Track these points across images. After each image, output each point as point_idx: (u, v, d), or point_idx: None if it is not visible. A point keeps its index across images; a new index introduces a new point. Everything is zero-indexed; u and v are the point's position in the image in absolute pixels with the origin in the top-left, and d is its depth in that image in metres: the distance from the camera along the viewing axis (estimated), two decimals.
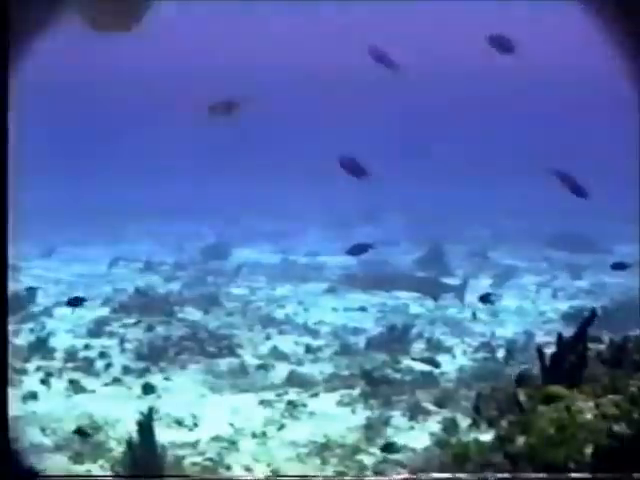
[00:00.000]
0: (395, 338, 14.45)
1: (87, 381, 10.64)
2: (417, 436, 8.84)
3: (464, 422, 9.15)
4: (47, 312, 17.45)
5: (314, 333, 15.89)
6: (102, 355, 13.04)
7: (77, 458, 7.36)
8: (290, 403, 9.99)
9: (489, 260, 26.85)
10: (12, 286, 20.89)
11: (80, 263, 27.54)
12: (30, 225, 37.07)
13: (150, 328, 15.25)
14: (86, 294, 20.06)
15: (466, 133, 62.60)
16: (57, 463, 7.19)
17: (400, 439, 8.57)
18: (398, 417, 9.36)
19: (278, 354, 13.71)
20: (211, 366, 12.67)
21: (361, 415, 9.59)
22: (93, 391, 10.24)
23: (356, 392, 10.46)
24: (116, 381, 10.88)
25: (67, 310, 17.89)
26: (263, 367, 12.58)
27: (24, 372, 10.77)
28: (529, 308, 18.77)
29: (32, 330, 15.68)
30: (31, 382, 10.32)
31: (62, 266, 26.87)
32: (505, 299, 19.21)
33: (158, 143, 61.54)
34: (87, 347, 13.68)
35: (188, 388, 11.10)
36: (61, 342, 14.12)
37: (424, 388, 10.42)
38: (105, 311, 17.45)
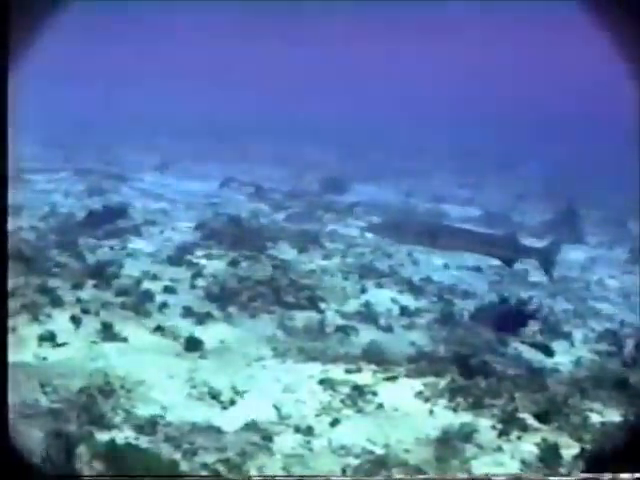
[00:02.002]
0: (506, 312, 12.22)
1: (125, 325, 8.92)
2: (503, 461, 6.72)
3: (569, 449, 6.99)
4: (135, 230, 16.16)
5: (417, 291, 13.85)
6: (166, 290, 11.47)
7: (61, 438, 5.66)
8: (357, 389, 8.03)
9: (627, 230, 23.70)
10: (108, 198, 20.23)
11: (192, 180, 26.44)
12: (149, 135, 36.72)
13: (234, 263, 13.63)
14: (184, 215, 18.87)
15: None
16: (35, 438, 5.60)
17: (479, 465, 6.49)
18: (485, 430, 7.26)
19: (367, 314, 11.77)
20: (285, 319, 10.85)
21: (440, 419, 7.52)
22: (125, 339, 8.55)
23: (443, 383, 8.42)
24: (159, 330, 9.10)
25: (156, 229, 16.65)
26: (343, 330, 10.64)
27: (60, 303, 9.28)
28: None
29: (112, 248, 14.43)
30: (60, 318, 8.78)
31: (172, 181, 25.78)
32: None
33: (300, 61, 59.82)
34: (155, 277, 12.16)
35: (246, 346, 9.31)
36: (130, 268, 12.69)
37: (527, 390, 8.23)
38: (195, 236, 16.05)
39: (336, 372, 8.58)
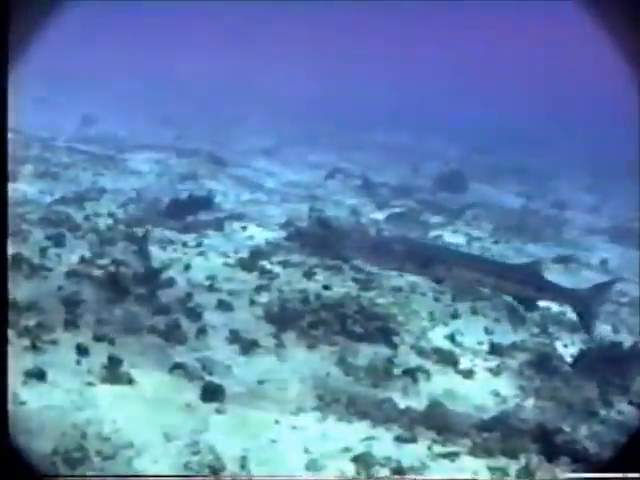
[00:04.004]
0: (619, 356, 10.23)
1: (139, 360, 7.48)
2: None
3: None
4: (217, 224, 15.00)
5: (517, 320, 11.98)
6: (219, 305, 10.14)
7: None
8: (399, 471, 6.36)
9: None
10: (200, 185, 19.15)
11: (299, 167, 25.10)
12: (267, 118, 35.66)
13: (310, 274, 12.23)
14: (276, 210, 17.60)
15: None
16: None
17: None
18: None
19: (448, 352, 10.03)
20: (347, 353, 9.30)
21: None
22: (130, 381, 7.11)
23: (515, 467, 6.70)
24: (179, 368, 7.59)
25: (240, 224, 15.44)
26: (412, 373, 8.96)
27: (73, 324, 8.06)
28: None
29: (185, 244, 13.30)
30: (64, 346, 7.50)
31: (278, 168, 24.54)
32: None
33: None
34: (212, 288, 10.86)
35: (285, 391, 7.82)
36: (193, 272, 11.50)
37: None
38: (279, 236, 14.70)
39: (382, 442, 6.97)
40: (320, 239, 13.98)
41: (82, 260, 11.13)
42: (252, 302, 10.55)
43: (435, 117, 37.83)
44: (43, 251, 11.24)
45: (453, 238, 17.46)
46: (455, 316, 11.70)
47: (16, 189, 15.78)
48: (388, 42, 66.16)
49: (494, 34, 65.57)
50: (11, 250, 10.76)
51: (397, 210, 19.26)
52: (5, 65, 5.08)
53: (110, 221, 14.08)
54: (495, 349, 10.56)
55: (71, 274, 10.14)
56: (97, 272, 10.44)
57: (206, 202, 16.06)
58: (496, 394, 9.06)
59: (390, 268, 9.28)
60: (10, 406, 6.34)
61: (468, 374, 9.50)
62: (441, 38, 65.82)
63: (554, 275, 15.02)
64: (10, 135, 18.16)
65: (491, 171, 28.22)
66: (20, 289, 8.98)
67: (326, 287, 11.53)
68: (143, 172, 20.02)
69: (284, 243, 14.15)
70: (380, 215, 18.57)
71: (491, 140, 35.26)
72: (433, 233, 17.47)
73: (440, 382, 8.96)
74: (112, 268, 10.79)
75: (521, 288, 8.07)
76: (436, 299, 12.32)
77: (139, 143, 24.60)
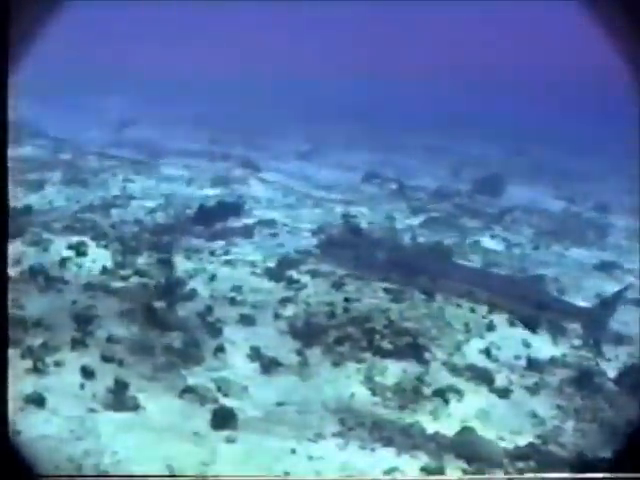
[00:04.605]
0: None
1: (148, 383, 7.00)
2: None
3: None
4: (247, 231, 14.62)
5: (558, 331, 11.25)
6: (242, 319, 9.70)
7: None
8: None
9: None
10: (231, 190, 18.75)
11: (335, 171, 24.61)
12: (304, 120, 35.22)
13: (339, 284, 11.72)
14: (308, 215, 17.16)
15: None
16: None
17: None
18: None
19: (483, 369, 9.45)
20: (374, 371, 8.79)
21: None
22: (135, 408, 6.58)
23: None
24: (190, 392, 7.12)
25: (271, 231, 15.01)
26: (443, 394, 8.41)
27: (81, 343, 7.65)
28: None
29: (212, 253, 12.94)
30: (69, 368, 7.07)
31: (313, 172, 24.08)
32: None
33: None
34: (234, 302, 10.42)
35: (305, 415, 7.35)
36: (218, 283, 11.13)
37: None
38: (310, 243, 14.23)
39: (407, 472, 6.45)
40: (351, 247, 13.46)
41: (104, 270, 10.80)
42: (276, 316, 10.10)
43: (474, 118, 37.01)
44: (63, 262, 10.93)
45: (491, 244, 16.84)
46: (491, 328, 11.10)
47: (44, 196, 15.57)
48: (426, 42, 65.49)
49: (533, 33, 64.55)
50: (29, 261, 10.47)
51: (433, 215, 18.67)
52: (5, 65, 4.93)
53: (136, 229, 13.77)
54: (533, 364, 9.96)
55: (88, 287, 9.79)
56: (117, 284, 10.09)
57: (236, 208, 15.70)
58: (533, 415, 8.48)
59: (374, 278, 8.80)
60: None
61: (504, 393, 8.92)
62: (480, 37, 64.98)
63: (596, 282, 14.40)
64: (39, 141, 18.01)
65: (531, 173, 27.42)
66: (32, 304, 8.65)
67: (353, 300, 10.98)
68: (174, 177, 19.70)
69: (314, 251, 13.66)
70: (415, 220, 17.98)
71: (531, 141, 34.39)
72: (470, 239, 16.84)
73: (473, 402, 8.42)
74: (133, 280, 10.48)
75: (520, 304, 7.32)
76: (472, 310, 11.72)
77: (173, 147, 24.36)
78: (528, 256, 16.17)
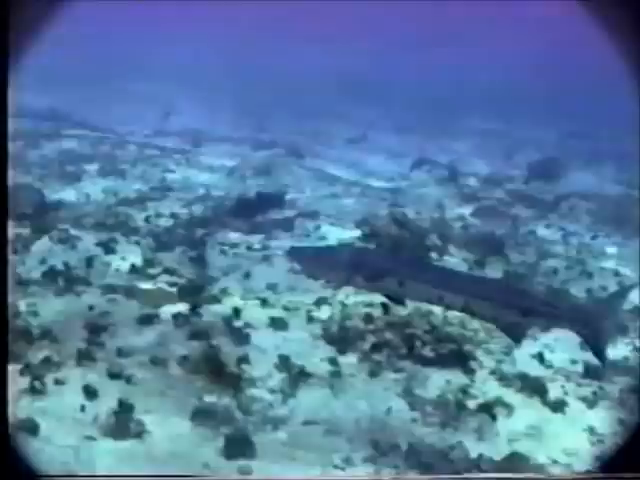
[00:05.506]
0: None
1: (157, 404, 6.28)
2: None
3: None
4: (287, 224, 13.98)
5: (619, 332, 10.38)
6: (272, 323, 9.04)
7: None
8: None
9: None
10: (274, 179, 18.06)
11: (384, 157, 23.77)
12: (354, 104, 34.32)
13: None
14: (353, 205, 16.48)
15: None
16: None
17: None
18: None
19: (534, 378, 8.62)
20: (413, 383, 8.05)
21: None
22: (139, 435, 5.88)
23: None
24: (202, 415, 6.47)
25: (313, 223, 14.34)
26: (489, 409, 7.63)
27: (88, 357, 7.04)
28: None
29: (249, 248, 12.39)
30: (71, 387, 6.39)
31: (362, 158, 23.25)
32: None
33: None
34: (266, 303, 9.76)
35: (331, 437, 6.64)
36: (253, 281, 10.63)
37: None
38: (353, 235, 13.48)
39: None
40: (395, 241, 12.72)
41: (132, 269, 10.27)
42: (310, 319, 9.41)
43: (530, 101, 35.66)
44: (89, 260, 10.41)
45: (546, 233, 15.94)
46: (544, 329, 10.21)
47: (79, 189, 15.15)
48: (478, 24, 63.70)
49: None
50: (52, 261, 9.99)
51: (485, 203, 17.75)
52: (5, 65, 4.92)
53: (171, 222, 13.22)
54: (591, 371, 9.08)
55: (109, 289, 9.23)
56: (142, 285, 9.53)
57: (277, 199, 14.96)
58: (591, 431, 7.66)
59: (336, 282, 7.99)
60: None
61: (557, 406, 8.10)
62: (533, 18, 63.02)
63: None
64: (77, 131, 17.47)
65: (589, 157, 26.07)
66: (45, 310, 8.12)
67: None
68: (216, 167, 19.12)
69: (358, 244, 12.94)
70: (466, 209, 17.09)
71: (589, 124, 32.95)
72: (524, 229, 15.92)
73: (523, 418, 7.63)
74: (161, 278, 9.93)
75: (502, 311, 6.36)
76: None
77: (217, 135, 23.82)
78: (587, 246, 15.21)
